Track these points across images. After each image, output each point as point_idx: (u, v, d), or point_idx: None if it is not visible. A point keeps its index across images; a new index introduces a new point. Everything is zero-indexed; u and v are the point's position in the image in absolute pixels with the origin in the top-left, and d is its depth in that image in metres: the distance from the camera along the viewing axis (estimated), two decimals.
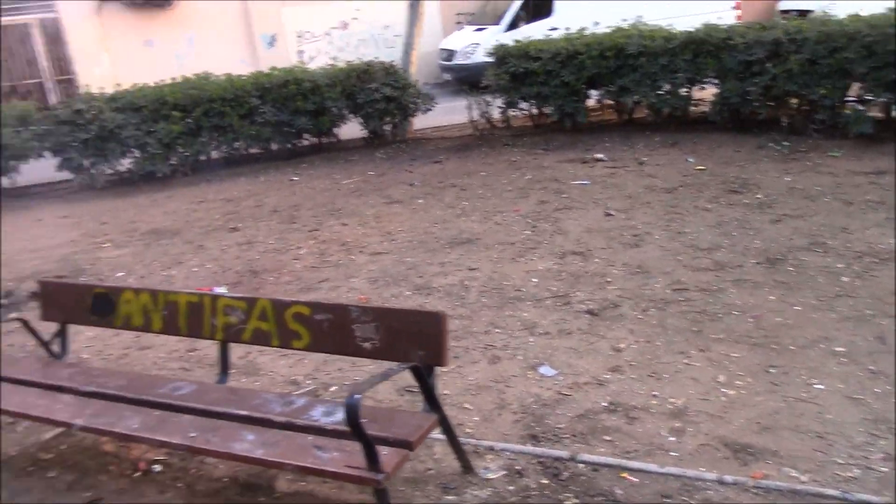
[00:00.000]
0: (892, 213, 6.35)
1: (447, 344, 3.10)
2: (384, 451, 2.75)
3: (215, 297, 3.66)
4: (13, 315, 4.52)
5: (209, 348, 5.20)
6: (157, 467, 3.83)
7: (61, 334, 4.34)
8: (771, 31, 9.40)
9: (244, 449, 3.02)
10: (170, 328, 3.83)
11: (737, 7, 16.50)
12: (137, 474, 3.79)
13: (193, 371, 4.92)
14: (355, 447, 2.89)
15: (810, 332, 4.55)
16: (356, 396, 2.58)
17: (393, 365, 3.10)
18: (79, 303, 4.14)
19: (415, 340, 3.10)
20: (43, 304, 4.34)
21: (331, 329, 3.33)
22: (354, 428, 2.59)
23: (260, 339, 3.56)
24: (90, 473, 3.85)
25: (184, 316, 3.75)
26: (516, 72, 11.02)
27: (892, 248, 5.65)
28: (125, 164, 11.02)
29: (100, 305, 4.04)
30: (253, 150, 11.70)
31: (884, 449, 3.42)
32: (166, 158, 10.85)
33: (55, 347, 4.35)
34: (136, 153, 10.87)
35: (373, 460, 2.68)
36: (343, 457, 2.85)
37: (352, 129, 12.12)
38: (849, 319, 4.65)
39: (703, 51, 9.86)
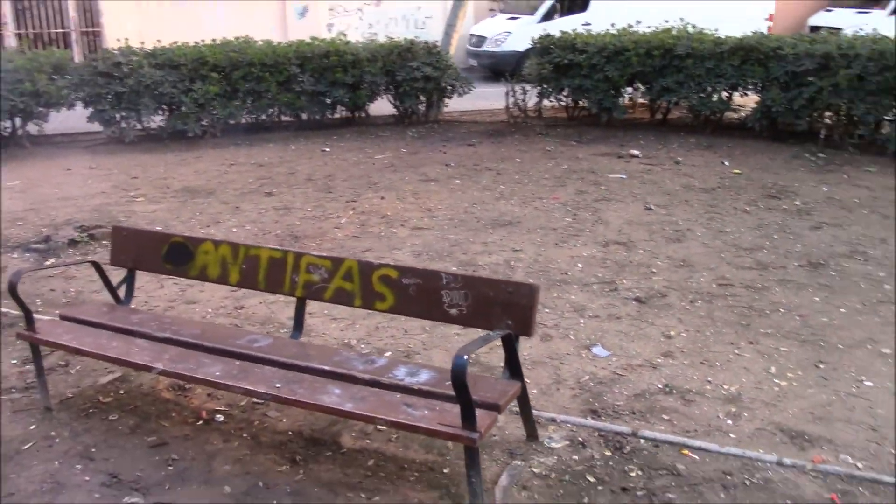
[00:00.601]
0: None
1: (536, 316, 3.19)
2: (476, 413, 2.84)
3: (299, 255, 3.74)
4: (89, 257, 4.58)
5: (256, 306, 5.29)
6: (220, 417, 3.90)
7: (128, 280, 4.40)
8: (823, 44, 9.48)
9: (333, 402, 3.09)
10: (247, 282, 3.90)
11: (769, 19, 16.57)
12: (199, 422, 3.86)
13: (243, 328, 4.99)
14: (444, 406, 3.00)
15: (856, 333, 4.69)
16: (464, 357, 2.67)
17: (481, 332, 3.19)
18: (152, 250, 4.19)
19: (505, 310, 3.20)
20: (113, 250, 4.38)
21: (417, 293, 3.42)
22: (460, 388, 2.69)
23: (342, 298, 3.64)
24: (151, 418, 3.91)
25: (264, 270, 3.82)
26: (560, 63, 11.09)
27: None
28: (156, 120, 11.02)
29: (175, 254, 4.10)
30: (283, 118, 11.74)
31: None
32: (198, 119, 10.85)
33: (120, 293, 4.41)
34: (169, 111, 10.90)
35: (470, 420, 2.78)
36: (434, 415, 2.94)
37: (381, 106, 12.16)
38: (893, 325, 4.77)
39: (751, 58, 9.97)
